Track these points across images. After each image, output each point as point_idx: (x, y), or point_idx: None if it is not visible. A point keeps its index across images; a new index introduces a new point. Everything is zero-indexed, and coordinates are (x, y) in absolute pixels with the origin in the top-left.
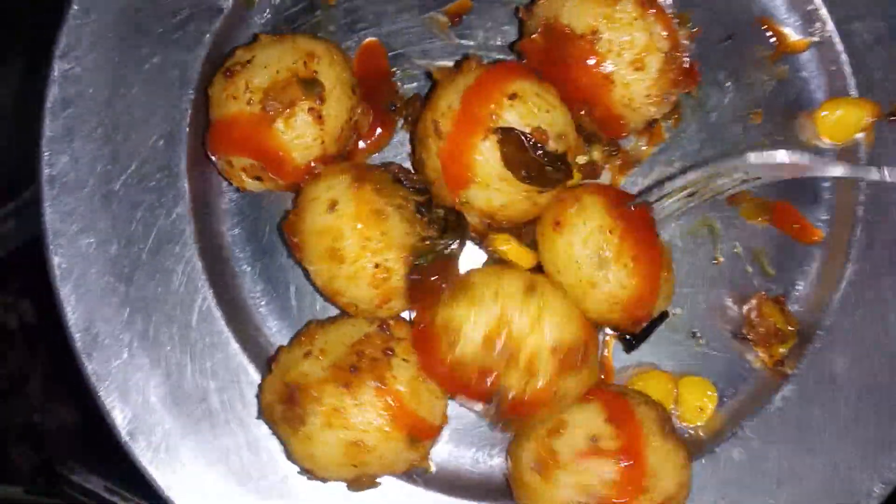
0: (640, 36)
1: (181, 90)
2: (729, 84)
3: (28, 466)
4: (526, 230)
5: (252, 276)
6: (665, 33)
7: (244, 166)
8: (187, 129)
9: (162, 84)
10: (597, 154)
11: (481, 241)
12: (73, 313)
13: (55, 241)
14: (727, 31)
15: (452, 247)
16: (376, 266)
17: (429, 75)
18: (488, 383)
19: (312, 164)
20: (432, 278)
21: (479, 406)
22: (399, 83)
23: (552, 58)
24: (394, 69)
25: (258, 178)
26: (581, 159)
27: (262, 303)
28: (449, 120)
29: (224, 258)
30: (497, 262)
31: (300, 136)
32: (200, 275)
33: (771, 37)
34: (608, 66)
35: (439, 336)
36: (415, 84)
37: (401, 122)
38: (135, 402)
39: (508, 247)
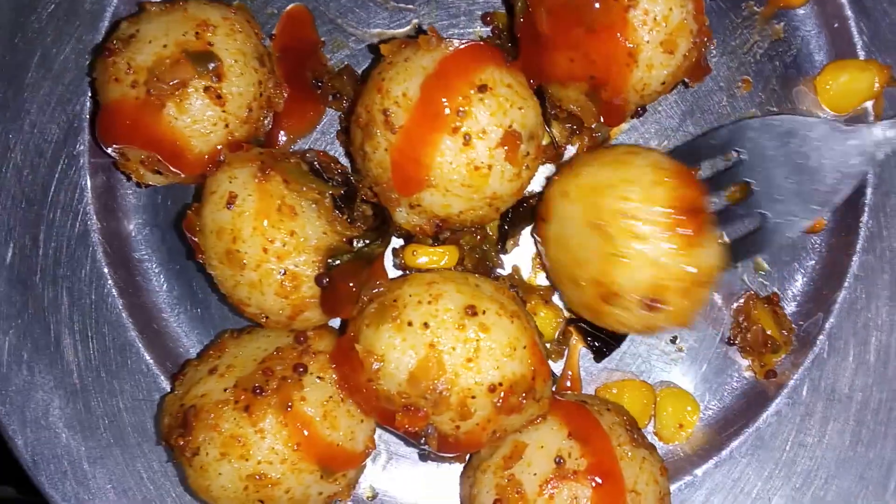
0: (677, 12)
1: (79, 73)
2: (712, 47)
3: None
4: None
5: (166, 280)
6: (695, 13)
7: (141, 158)
8: (87, 118)
9: (58, 68)
10: (557, 133)
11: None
12: None
13: None
14: None
15: (374, 246)
16: (283, 272)
17: (371, 48)
18: (412, 423)
19: (219, 151)
20: (347, 284)
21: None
22: (328, 56)
23: (566, 17)
24: (322, 39)
25: (157, 172)
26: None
27: (179, 310)
28: (404, 111)
29: (133, 260)
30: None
31: (196, 120)
32: (107, 280)
33: None
34: (638, 41)
35: (360, 361)
36: (345, 54)
37: (329, 98)
38: (37, 425)
39: (424, 257)
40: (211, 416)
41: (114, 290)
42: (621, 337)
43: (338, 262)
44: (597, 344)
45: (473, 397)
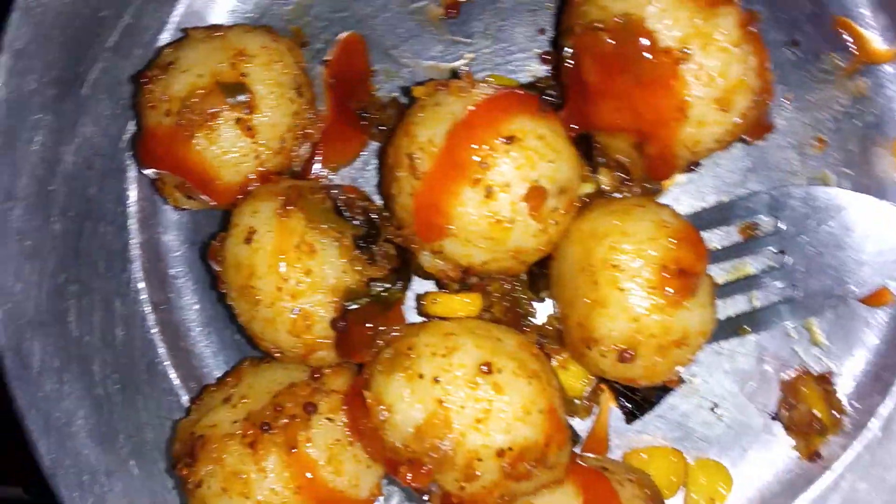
0: (736, 68)
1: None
2: (788, 101)
3: (28, 466)
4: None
5: (199, 300)
6: (757, 69)
7: (176, 183)
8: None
9: (114, 83)
10: (605, 180)
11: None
12: (2, 331)
13: None
14: (791, 33)
15: (392, 290)
16: (297, 311)
17: (405, 91)
18: (414, 478)
19: (250, 181)
20: (363, 328)
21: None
22: (379, 86)
23: (613, 66)
24: (375, 68)
25: (191, 197)
26: (586, 188)
27: (209, 331)
28: (428, 157)
29: (169, 277)
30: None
31: (226, 150)
32: (141, 294)
33: (849, 43)
34: (690, 97)
35: (370, 407)
36: (396, 85)
37: (373, 130)
38: (60, 433)
39: (441, 306)
40: (216, 448)
41: (147, 306)
42: (655, 400)
43: (354, 305)
44: (629, 405)
45: (480, 460)
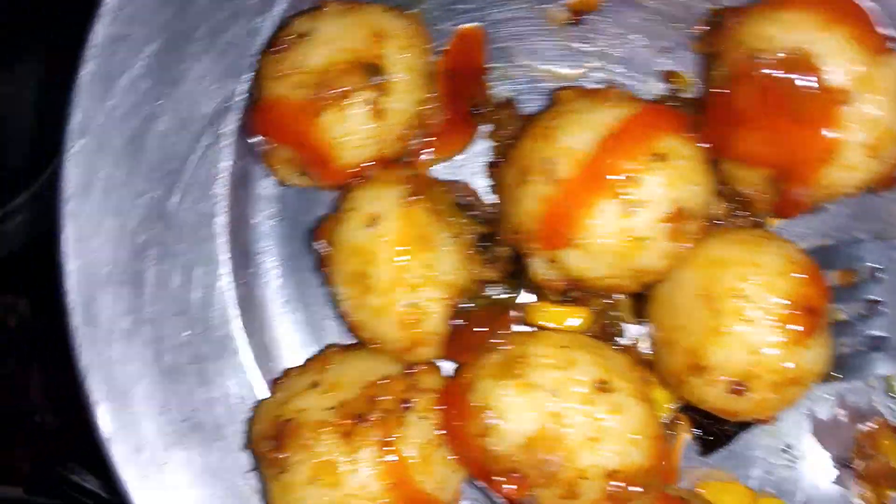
0: (890, 117)
1: (241, 54)
2: None
3: (28, 466)
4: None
5: (280, 278)
6: None
7: (288, 157)
8: (238, 101)
9: (223, 44)
10: (717, 208)
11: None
12: (74, 286)
13: (69, 202)
14: None
15: (509, 295)
16: (410, 304)
17: (536, 86)
18: (515, 490)
19: (364, 166)
20: (479, 330)
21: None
22: (491, 84)
23: (770, 98)
24: (490, 65)
25: (302, 174)
26: None
27: (286, 311)
28: (569, 164)
29: (252, 252)
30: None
31: (351, 132)
32: (224, 267)
33: None
34: (843, 139)
35: (472, 412)
36: (509, 86)
37: (484, 128)
38: (123, 398)
39: (549, 316)
40: (308, 434)
41: (228, 278)
42: (733, 434)
43: (473, 305)
44: (708, 437)
45: (586, 479)
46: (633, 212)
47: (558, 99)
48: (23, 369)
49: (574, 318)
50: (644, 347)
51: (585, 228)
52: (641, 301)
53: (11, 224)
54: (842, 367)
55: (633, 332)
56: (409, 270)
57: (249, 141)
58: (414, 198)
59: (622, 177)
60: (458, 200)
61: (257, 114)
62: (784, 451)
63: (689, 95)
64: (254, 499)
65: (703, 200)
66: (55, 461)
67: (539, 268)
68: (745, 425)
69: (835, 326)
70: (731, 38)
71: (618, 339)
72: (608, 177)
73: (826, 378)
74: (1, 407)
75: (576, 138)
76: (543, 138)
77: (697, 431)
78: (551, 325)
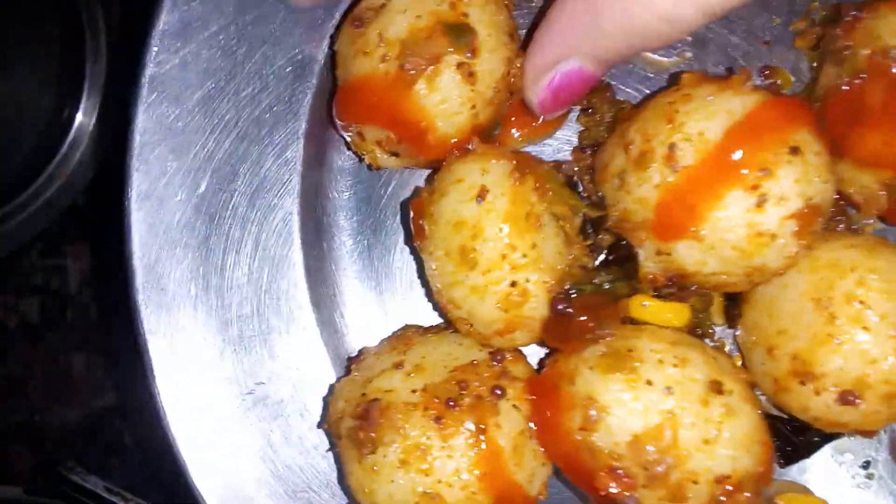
0: None
1: (327, 14)
2: None
3: (28, 466)
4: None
5: (353, 252)
6: None
7: (379, 139)
8: (322, 63)
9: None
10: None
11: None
12: (138, 245)
13: (139, 156)
14: None
15: (619, 284)
16: (513, 284)
17: (627, 74)
18: (615, 488)
19: (463, 138)
20: (585, 318)
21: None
22: None
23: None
24: None
25: (395, 154)
26: None
27: (356, 287)
28: (695, 151)
29: (325, 225)
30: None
31: (446, 99)
32: (296, 237)
33: None
34: None
35: (571, 404)
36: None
37: (579, 111)
38: (186, 372)
39: (651, 311)
40: (399, 416)
41: (299, 251)
42: (816, 446)
43: (581, 291)
44: (789, 448)
45: (696, 483)
46: (763, 205)
47: (682, 83)
48: (22, 370)
49: (674, 314)
50: (729, 349)
51: (708, 220)
52: (733, 302)
53: (11, 223)
54: None
55: (718, 333)
56: (516, 248)
57: (339, 131)
58: (524, 173)
59: (760, 168)
60: (569, 181)
61: (342, 98)
62: (863, 467)
63: (787, 93)
64: (316, 479)
65: (830, 198)
66: (55, 461)
67: (648, 258)
68: (830, 437)
69: None
70: (861, 33)
71: (708, 340)
72: (739, 167)
73: None
74: (1, 407)
75: (705, 124)
76: (668, 122)
77: (779, 443)
78: (649, 320)
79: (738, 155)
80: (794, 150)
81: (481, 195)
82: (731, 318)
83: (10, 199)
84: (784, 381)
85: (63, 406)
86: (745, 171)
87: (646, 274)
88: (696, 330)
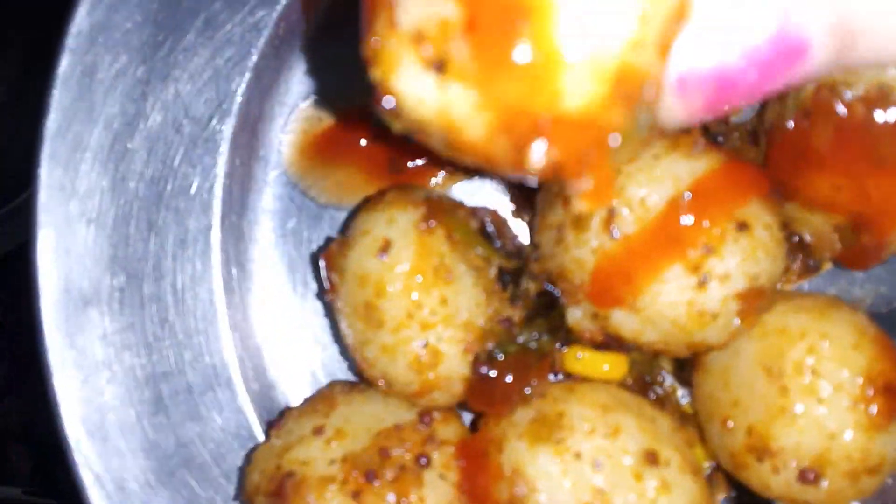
0: None
1: (242, 49)
2: None
3: (28, 466)
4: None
5: (279, 304)
6: None
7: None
8: (240, 101)
9: (221, 38)
10: None
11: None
12: (48, 305)
13: (43, 211)
14: None
15: (544, 341)
16: (425, 345)
17: None
18: None
19: None
20: (511, 380)
21: None
22: None
23: (853, 139)
24: None
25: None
26: None
27: (285, 339)
28: (636, 220)
29: (249, 272)
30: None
31: None
32: (217, 287)
33: None
34: None
35: (500, 474)
36: None
37: None
38: (101, 433)
39: (584, 364)
40: (312, 493)
41: (221, 300)
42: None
43: (506, 351)
44: (745, 499)
45: None
46: (705, 285)
47: None
48: (23, 369)
49: (612, 366)
50: (682, 397)
51: (647, 293)
52: (688, 368)
53: (9, 224)
54: None
55: (669, 380)
56: (423, 306)
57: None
58: (431, 223)
59: (703, 244)
60: (483, 230)
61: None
62: None
63: (739, 121)
64: None
65: (777, 273)
66: (55, 461)
67: (574, 317)
68: None
69: None
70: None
71: (658, 388)
72: (681, 242)
73: None
74: (1, 407)
75: (647, 190)
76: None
77: (735, 494)
78: (584, 373)
79: (681, 227)
80: (742, 227)
81: (384, 249)
82: (683, 378)
83: (10, 200)
84: (741, 457)
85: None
86: (689, 248)
87: (581, 332)
88: (645, 378)
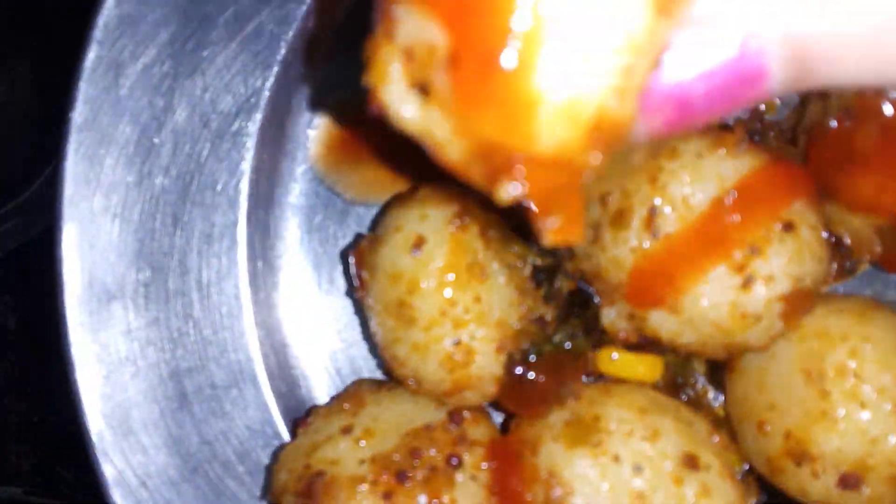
0: None
1: (271, 43)
2: None
3: (28, 466)
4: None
5: (305, 300)
6: None
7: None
8: (268, 96)
9: (250, 32)
10: None
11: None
12: (72, 299)
13: (69, 204)
14: None
15: (579, 341)
16: (457, 343)
17: None
18: None
19: None
20: (547, 381)
21: None
22: None
23: (891, 141)
24: None
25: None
26: None
27: (312, 337)
28: (678, 218)
29: (276, 268)
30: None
31: None
32: (243, 283)
33: None
34: None
35: (534, 477)
36: None
37: None
38: (124, 429)
39: (620, 365)
40: (343, 494)
41: (247, 297)
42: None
43: (539, 352)
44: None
45: None
46: (749, 286)
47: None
48: (22, 370)
49: (646, 368)
50: (713, 399)
51: (688, 294)
52: (718, 364)
53: (11, 224)
54: None
55: (701, 382)
56: (456, 303)
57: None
58: (465, 220)
59: (748, 245)
60: (517, 226)
61: None
62: None
63: (773, 118)
64: None
65: (822, 276)
66: (55, 461)
67: (609, 318)
68: None
69: None
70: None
71: (690, 390)
72: (726, 242)
73: None
74: (1, 407)
75: (690, 189)
76: (650, 180)
77: (769, 499)
78: (619, 374)
79: (725, 227)
80: (788, 227)
81: (417, 245)
82: (716, 380)
83: (10, 200)
84: (778, 462)
85: (63, 406)
86: (734, 248)
87: (616, 332)
88: (678, 379)
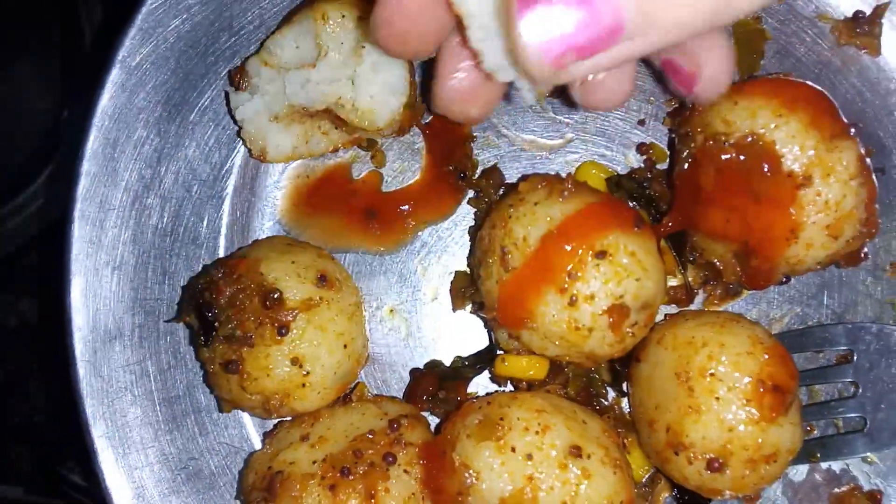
0: (850, 199)
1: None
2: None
3: (28, 466)
4: None
5: None
6: (867, 202)
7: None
8: (238, 164)
9: (220, 112)
10: (692, 277)
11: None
12: (80, 339)
13: (76, 260)
14: (880, 161)
15: (466, 370)
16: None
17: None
18: None
19: None
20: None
21: None
22: (476, 152)
23: (732, 179)
24: (474, 134)
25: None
26: (672, 281)
27: None
28: (520, 254)
29: None
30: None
31: None
32: None
33: None
34: (803, 220)
35: (454, 469)
36: (494, 153)
37: (469, 193)
38: (123, 447)
39: (510, 367)
40: (297, 486)
41: None
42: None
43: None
44: (686, 497)
45: None
46: (575, 304)
47: (519, 188)
48: (22, 370)
49: (535, 368)
50: (626, 407)
51: (537, 315)
52: (622, 376)
53: (11, 223)
54: (825, 448)
55: (613, 392)
56: None
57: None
58: None
59: (567, 271)
60: None
61: None
62: None
63: (664, 167)
64: None
65: (648, 293)
66: (55, 461)
67: (503, 338)
68: None
69: (816, 407)
70: (696, 120)
71: (602, 400)
72: (553, 270)
73: (804, 459)
74: (1, 407)
75: (526, 231)
76: (503, 227)
77: (677, 493)
78: (512, 375)
79: (551, 260)
80: (601, 255)
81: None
82: (618, 386)
83: (10, 200)
84: (664, 453)
85: (63, 406)
86: (558, 275)
87: (513, 349)
88: (591, 391)
